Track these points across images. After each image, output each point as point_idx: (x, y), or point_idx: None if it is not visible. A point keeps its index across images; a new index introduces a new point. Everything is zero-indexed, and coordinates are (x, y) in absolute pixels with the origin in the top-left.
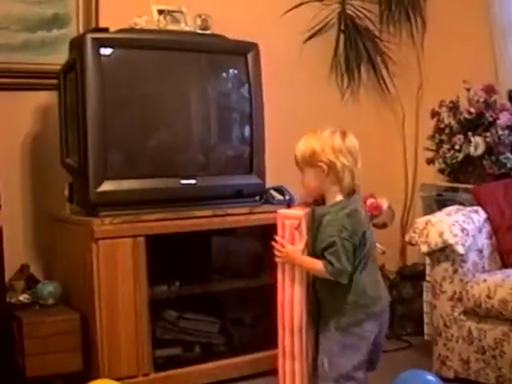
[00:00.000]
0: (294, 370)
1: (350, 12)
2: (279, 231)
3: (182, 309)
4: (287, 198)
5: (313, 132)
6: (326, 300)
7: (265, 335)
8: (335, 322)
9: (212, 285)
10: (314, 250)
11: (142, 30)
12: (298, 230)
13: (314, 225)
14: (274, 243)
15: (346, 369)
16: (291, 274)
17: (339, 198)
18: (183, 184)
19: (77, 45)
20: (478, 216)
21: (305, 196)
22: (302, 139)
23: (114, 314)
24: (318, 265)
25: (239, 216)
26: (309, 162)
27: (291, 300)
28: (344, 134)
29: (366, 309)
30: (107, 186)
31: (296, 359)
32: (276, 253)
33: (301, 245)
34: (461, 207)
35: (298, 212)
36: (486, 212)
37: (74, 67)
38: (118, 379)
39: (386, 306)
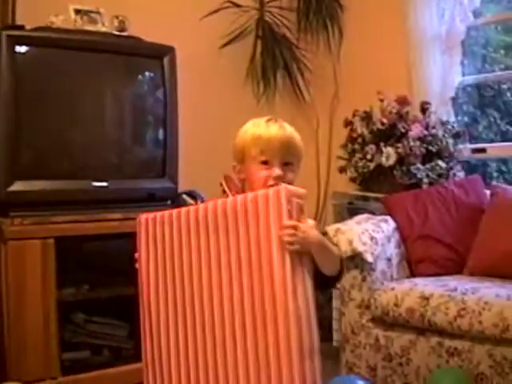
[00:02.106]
0: None
1: (267, 19)
2: (284, 213)
3: (90, 312)
4: (199, 202)
5: (274, 117)
6: None
7: None
8: None
9: (121, 288)
10: None
11: (58, 29)
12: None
13: None
14: (284, 226)
15: None
16: (301, 270)
17: None
18: (95, 186)
19: None
20: (388, 225)
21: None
22: (277, 122)
23: (21, 316)
24: (334, 247)
25: None
26: (301, 156)
27: (308, 313)
28: None
29: None
30: (18, 186)
31: None
32: (288, 237)
33: (310, 222)
34: (371, 216)
35: (301, 189)
36: (396, 221)
37: None
38: (25, 382)
39: None
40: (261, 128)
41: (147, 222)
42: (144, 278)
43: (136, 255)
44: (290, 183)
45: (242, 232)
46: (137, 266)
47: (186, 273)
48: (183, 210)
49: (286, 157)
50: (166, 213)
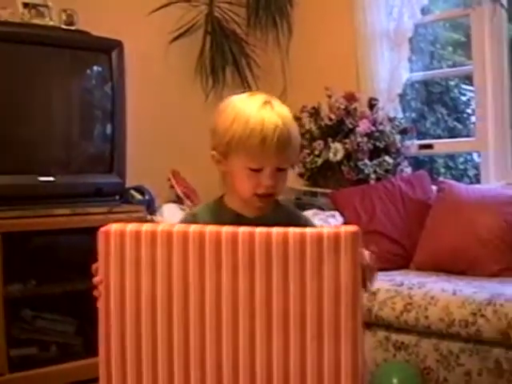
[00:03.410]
0: None
1: (217, 14)
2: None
3: (38, 308)
4: (147, 197)
5: (270, 98)
6: None
7: None
8: None
9: (69, 284)
10: None
11: (5, 23)
12: None
13: None
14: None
15: None
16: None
17: None
18: (41, 181)
19: None
20: (335, 220)
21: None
22: (273, 109)
23: None
24: None
25: (98, 215)
26: (296, 156)
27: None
28: None
29: None
30: None
31: None
32: (371, 280)
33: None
34: (319, 211)
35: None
36: (343, 216)
37: None
38: None
39: None
40: (255, 119)
41: (122, 236)
42: (115, 310)
43: (94, 267)
44: (280, 192)
45: (292, 277)
46: (96, 280)
47: (195, 318)
48: (191, 229)
49: (280, 162)
50: (159, 229)
